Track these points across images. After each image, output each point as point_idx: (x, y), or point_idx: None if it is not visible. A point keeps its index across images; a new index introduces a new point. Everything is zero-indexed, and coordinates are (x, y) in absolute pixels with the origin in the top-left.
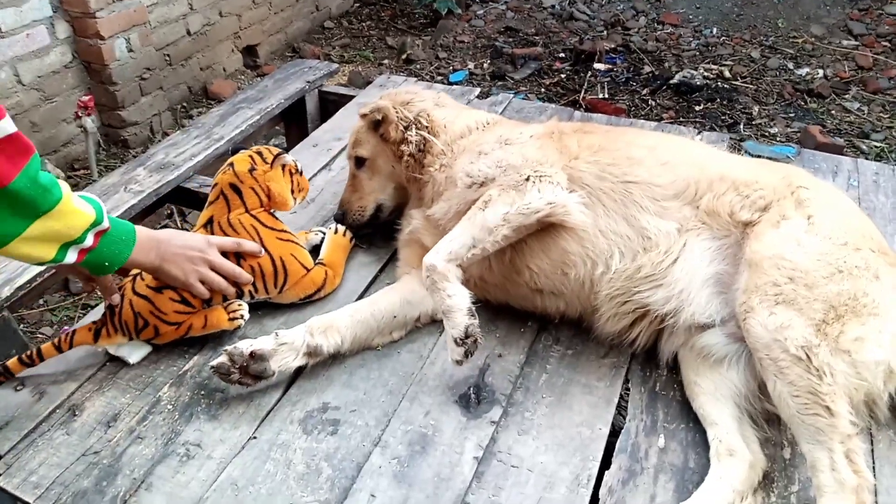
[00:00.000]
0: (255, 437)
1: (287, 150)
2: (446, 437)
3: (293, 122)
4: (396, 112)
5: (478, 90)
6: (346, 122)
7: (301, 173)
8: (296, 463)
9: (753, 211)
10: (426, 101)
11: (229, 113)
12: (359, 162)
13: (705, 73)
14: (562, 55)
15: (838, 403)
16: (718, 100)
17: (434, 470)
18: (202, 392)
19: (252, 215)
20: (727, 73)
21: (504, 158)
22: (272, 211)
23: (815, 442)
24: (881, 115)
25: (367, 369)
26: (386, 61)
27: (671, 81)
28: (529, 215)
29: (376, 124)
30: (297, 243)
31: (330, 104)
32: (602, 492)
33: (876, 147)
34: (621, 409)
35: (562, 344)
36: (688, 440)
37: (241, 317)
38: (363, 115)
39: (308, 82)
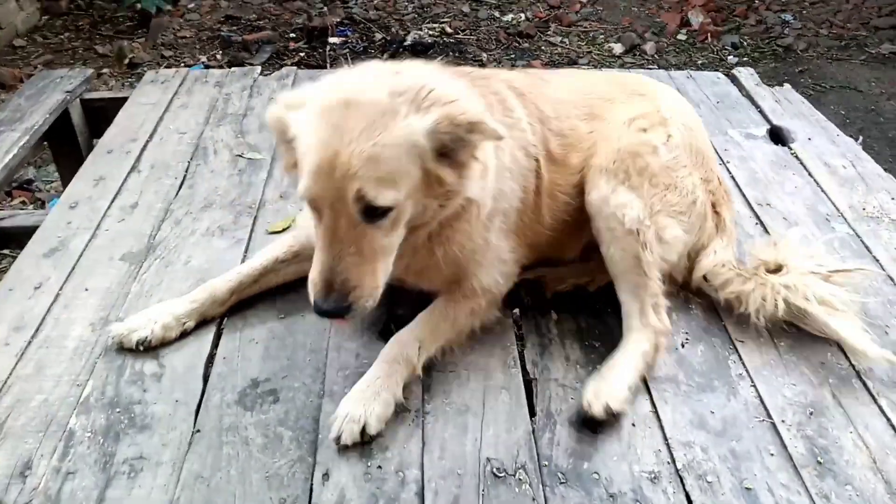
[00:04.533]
0: (198, 431)
1: (63, 177)
2: None
3: (61, 143)
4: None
5: (259, 68)
6: (132, 123)
7: None
8: (252, 438)
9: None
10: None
11: None
12: (378, 213)
13: (430, 32)
14: (293, 35)
15: (653, 270)
16: (450, 53)
17: None
18: (117, 409)
19: None
20: (448, 29)
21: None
22: None
23: (632, 294)
24: (579, 43)
25: (279, 339)
26: (106, 70)
27: (405, 44)
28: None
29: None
30: None
31: (97, 113)
32: (529, 367)
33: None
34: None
35: None
36: (575, 307)
37: None
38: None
39: (68, 92)
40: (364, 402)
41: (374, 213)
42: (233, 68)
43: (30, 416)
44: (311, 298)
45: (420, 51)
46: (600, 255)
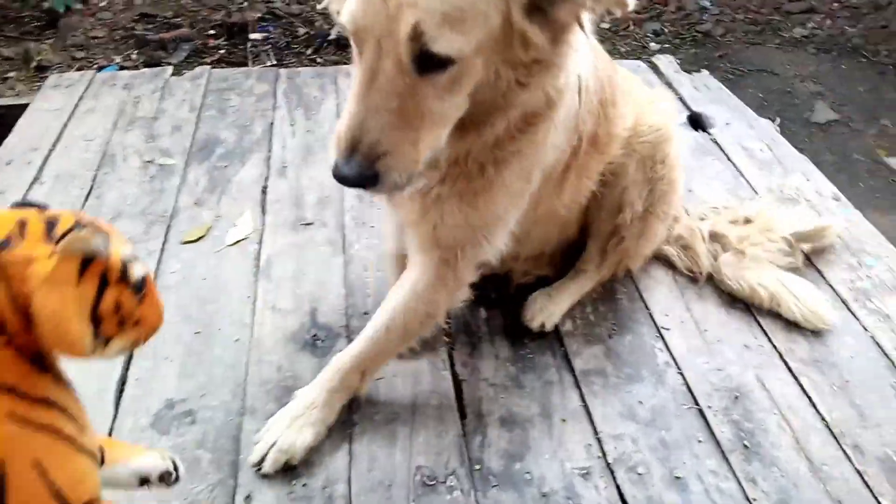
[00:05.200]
0: None
1: None
2: (308, 380)
3: None
4: None
5: (171, 68)
6: (34, 130)
7: (141, 290)
8: None
9: None
10: None
11: None
12: (435, 63)
13: None
14: (212, 32)
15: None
16: None
17: None
18: None
19: None
20: None
21: None
22: (34, 354)
23: (600, 249)
24: None
25: (196, 356)
26: (12, 75)
27: (329, 38)
28: None
29: None
30: (64, 438)
31: None
32: (458, 368)
33: None
34: None
35: (371, 268)
36: (504, 305)
37: None
38: None
39: None
40: (296, 430)
41: (430, 62)
42: (143, 69)
43: None
44: (331, 157)
45: (344, 45)
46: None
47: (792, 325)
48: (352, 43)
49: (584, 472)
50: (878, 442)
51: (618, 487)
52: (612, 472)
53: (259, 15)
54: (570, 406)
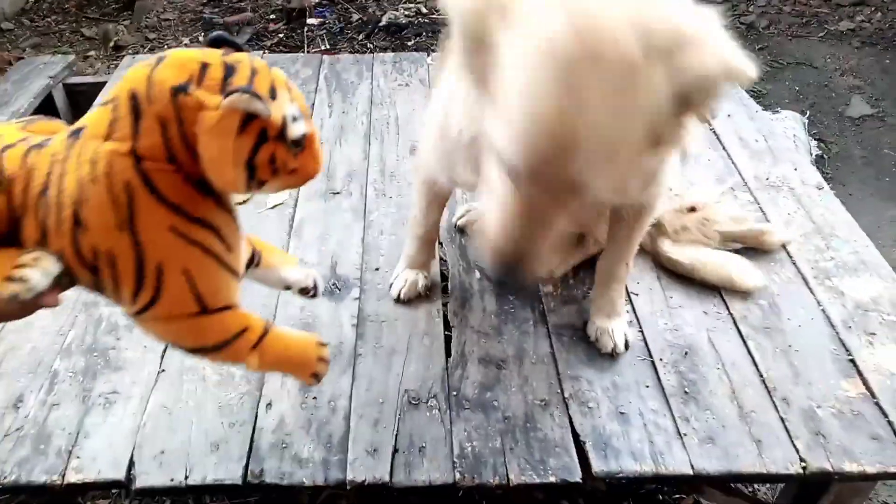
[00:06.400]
0: (163, 371)
1: None
2: (325, 319)
3: None
4: None
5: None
6: None
7: (299, 145)
8: (209, 376)
9: None
10: None
11: None
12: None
13: (406, 13)
14: (273, 17)
15: None
16: (424, 34)
17: (325, 339)
18: (94, 354)
19: (140, 167)
20: (424, 9)
21: None
22: (200, 180)
23: None
24: None
25: None
26: (92, 53)
27: (381, 24)
28: None
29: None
30: (211, 254)
31: (79, 96)
32: (450, 316)
33: None
34: (443, 261)
35: (386, 233)
36: None
37: (23, 281)
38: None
39: (51, 78)
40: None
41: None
42: None
43: (21, 361)
44: (486, 264)
45: (394, 31)
46: None
47: (750, 297)
48: (503, 169)
49: (543, 403)
50: (805, 396)
51: (569, 417)
52: (566, 405)
53: (316, 1)
54: (540, 352)
